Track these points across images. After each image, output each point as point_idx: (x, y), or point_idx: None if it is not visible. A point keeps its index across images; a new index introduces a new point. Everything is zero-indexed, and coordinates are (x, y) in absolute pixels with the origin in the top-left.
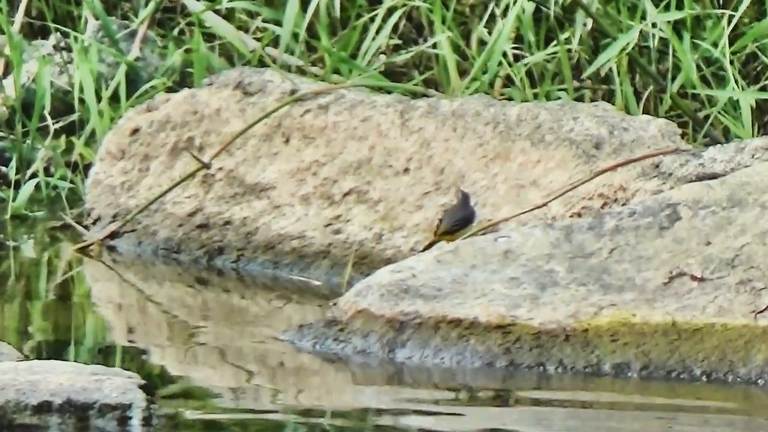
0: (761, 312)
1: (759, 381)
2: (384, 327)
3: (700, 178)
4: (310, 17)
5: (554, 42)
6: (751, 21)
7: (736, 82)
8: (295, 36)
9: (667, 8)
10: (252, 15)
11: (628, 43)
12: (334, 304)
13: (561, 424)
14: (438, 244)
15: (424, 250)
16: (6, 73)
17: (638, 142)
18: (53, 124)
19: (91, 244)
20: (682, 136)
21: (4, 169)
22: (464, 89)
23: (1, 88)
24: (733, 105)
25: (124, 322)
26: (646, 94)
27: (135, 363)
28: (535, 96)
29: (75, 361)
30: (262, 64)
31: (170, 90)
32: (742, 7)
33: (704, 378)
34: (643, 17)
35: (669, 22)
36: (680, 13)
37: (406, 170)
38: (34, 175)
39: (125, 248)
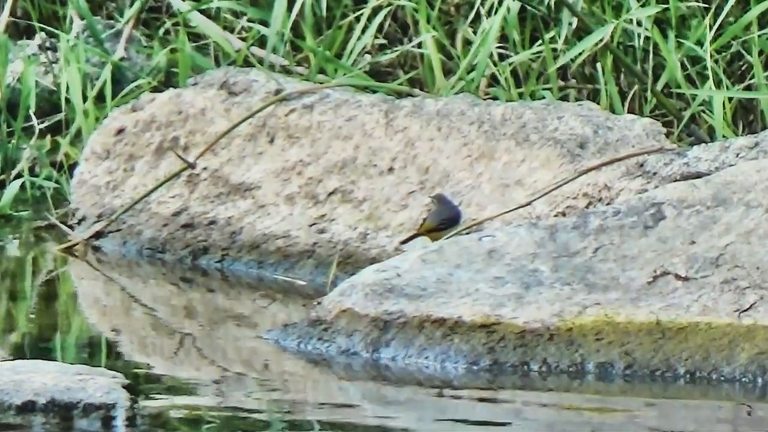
0: (745, 311)
1: (743, 380)
2: (368, 326)
3: (685, 178)
4: (294, 17)
5: (539, 41)
6: (737, 20)
7: (720, 80)
8: (281, 35)
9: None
10: (237, 15)
11: (603, 39)
12: (319, 304)
13: (544, 420)
14: (419, 239)
15: (404, 243)
16: None
17: (623, 141)
18: (38, 123)
19: (76, 243)
20: (667, 135)
21: None
22: (449, 89)
23: None
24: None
25: (109, 321)
26: (631, 93)
27: (119, 363)
28: (520, 95)
29: (59, 360)
30: (247, 63)
31: (155, 90)
32: (728, 6)
33: (688, 377)
34: None
35: (651, 18)
36: (659, 6)
37: (391, 170)
38: (19, 175)
39: (110, 248)
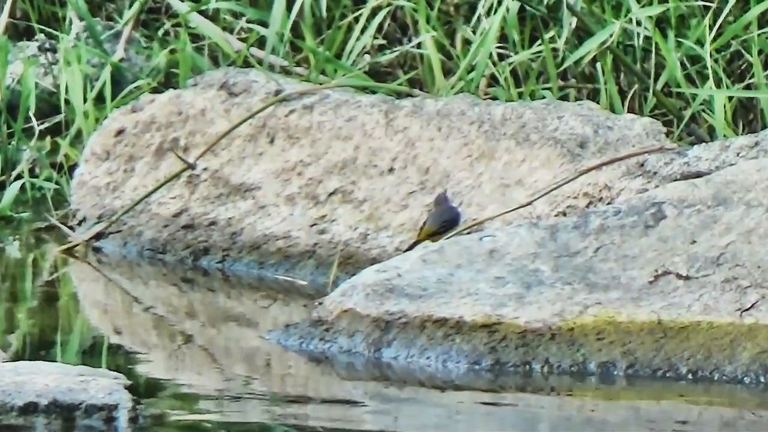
0: (747, 310)
1: (745, 379)
2: (369, 326)
3: (685, 177)
4: (294, 17)
5: (539, 41)
6: (736, 19)
7: (720, 80)
8: (280, 36)
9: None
10: (236, 15)
11: (608, 37)
12: (320, 304)
13: (547, 421)
14: (422, 244)
15: (407, 251)
16: None
17: (623, 140)
18: (38, 125)
19: (77, 245)
20: (667, 134)
21: None
22: (449, 89)
23: None
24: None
25: (110, 322)
26: (631, 92)
27: (121, 363)
28: (520, 95)
29: (61, 362)
30: (247, 64)
31: (155, 91)
32: (729, 5)
33: (690, 376)
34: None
35: (651, 18)
36: (661, 7)
37: (391, 170)
38: (19, 177)
39: (111, 249)
